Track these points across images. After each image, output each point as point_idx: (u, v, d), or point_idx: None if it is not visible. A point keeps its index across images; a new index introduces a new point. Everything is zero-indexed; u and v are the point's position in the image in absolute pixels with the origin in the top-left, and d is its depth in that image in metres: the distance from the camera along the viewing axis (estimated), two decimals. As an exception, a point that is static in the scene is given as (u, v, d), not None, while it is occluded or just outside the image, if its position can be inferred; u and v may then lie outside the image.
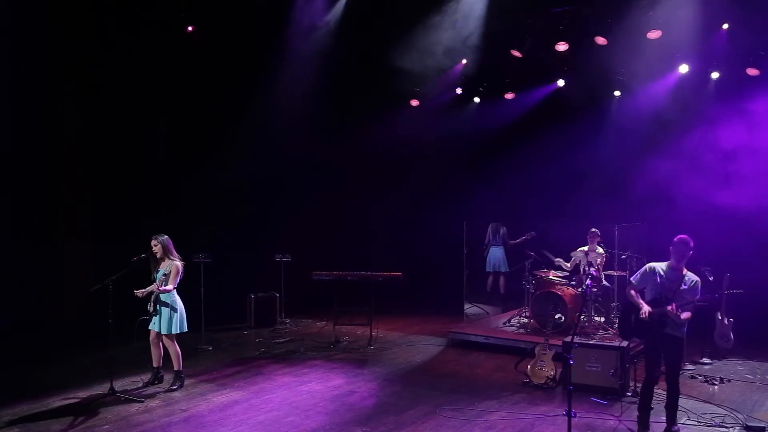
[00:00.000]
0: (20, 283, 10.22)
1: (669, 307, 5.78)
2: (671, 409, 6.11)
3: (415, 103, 13.64)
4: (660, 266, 6.09)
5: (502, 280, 12.95)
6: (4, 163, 10.10)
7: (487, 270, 12.91)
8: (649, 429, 6.12)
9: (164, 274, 7.43)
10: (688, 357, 8.87)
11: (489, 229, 12.88)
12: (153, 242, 7.54)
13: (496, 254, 12.87)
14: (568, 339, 6.68)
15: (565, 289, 9.55)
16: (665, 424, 6.16)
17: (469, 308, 11.79)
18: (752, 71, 10.60)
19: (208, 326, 9.98)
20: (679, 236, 6.01)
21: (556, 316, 9.33)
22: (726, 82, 10.62)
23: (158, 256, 7.54)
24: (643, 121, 11.04)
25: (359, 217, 13.07)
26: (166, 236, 7.62)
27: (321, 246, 12.47)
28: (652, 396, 6.11)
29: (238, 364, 8.91)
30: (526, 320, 10.24)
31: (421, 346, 10.03)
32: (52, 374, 8.30)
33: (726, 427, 6.37)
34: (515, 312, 10.86)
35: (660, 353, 6.09)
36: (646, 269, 6.21)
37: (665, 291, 5.95)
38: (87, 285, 7.48)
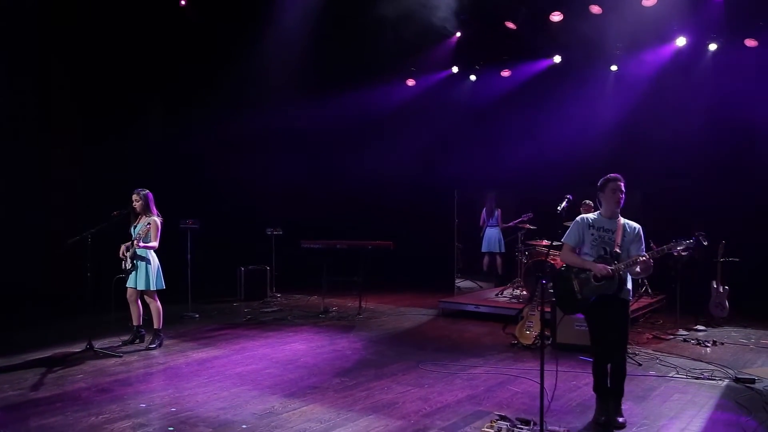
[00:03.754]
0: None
1: (642, 257, 4.73)
2: (616, 395, 4.97)
3: (411, 82, 13.59)
4: (591, 217, 5.04)
5: (498, 260, 12.78)
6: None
7: (483, 250, 12.77)
8: (620, 412, 5.00)
9: (144, 230, 7.28)
10: (683, 324, 8.70)
11: (484, 211, 12.74)
12: (135, 196, 7.41)
13: (491, 235, 12.71)
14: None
15: (558, 258, 9.36)
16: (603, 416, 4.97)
17: (462, 282, 11.65)
18: (750, 42, 10.48)
19: (196, 299, 9.86)
20: (609, 175, 4.92)
21: (549, 285, 9.13)
22: (723, 50, 10.47)
23: (138, 210, 7.42)
24: (640, 90, 10.88)
25: (351, 188, 12.90)
26: (147, 191, 7.50)
27: (313, 219, 12.36)
28: (607, 374, 4.99)
29: (222, 328, 8.79)
30: (518, 292, 10.08)
31: (411, 315, 9.89)
32: (31, 335, 8.16)
33: (715, 380, 6.18)
34: (508, 285, 10.69)
35: (610, 325, 4.94)
36: (577, 222, 5.06)
37: (608, 245, 4.88)
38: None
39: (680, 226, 6.70)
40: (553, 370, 5.36)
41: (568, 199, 4.63)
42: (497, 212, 12.55)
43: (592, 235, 4.98)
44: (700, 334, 8.35)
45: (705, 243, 8.95)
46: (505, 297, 10.16)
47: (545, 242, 9.87)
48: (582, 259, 5.00)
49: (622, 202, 4.91)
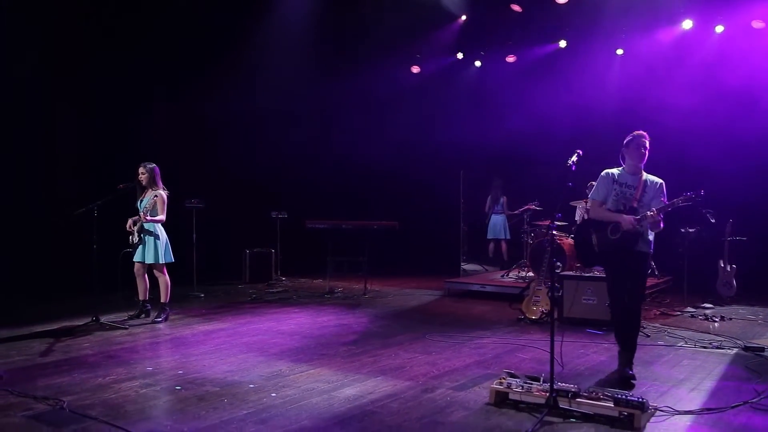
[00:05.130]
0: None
1: (650, 212, 4.80)
2: (628, 348, 5.06)
3: (416, 69, 13.55)
4: (614, 172, 5.16)
5: (504, 246, 12.74)
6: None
7: (488, 237, 12.74)
8: (630, 366, 5.09)
9: (150, 204, 7.26)
10: (690, 303, 8.65)
11: (489, 198, 12.70)
12: (140, 170, 7.40)
13: (496, 222, 12.67)
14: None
15: (564, 238, 9.34)
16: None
17: (468, 265, 11.60)
18: (757, 23, 10.44)
19: (201, 280, 9.85)
20: (635, 132, 5.09)
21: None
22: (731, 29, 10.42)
23: (144, 183, 7.40)
24: (646, 69, 10.84)
25: (357, 171, 12.85)
26: (154, 165, 7.48)
27: (318, 202, 12.33)
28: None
29: (227, 306, 8.78)
30: (525, 273, 10.03)
31: (417, 296, 9.86)
32: (37, 310, 8.16)
33: (723, 349, 6.15)
34: (514, 267, 10.64)
35: (626, 276, 5.05)
36: (604, 177, 5.19)
37: (627, 200, 5.01)
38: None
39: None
40: (562, 340, 5.34)
41: (578, 153, 4.59)
42: (503, 199, 12.51)
43: (615, 190, 5.11)
44: (708, 311, 8.30)
45: (713, 221, 8.92)
46: (511, 278, 10.12)
47: (550, 223, 9.81)
48: (611, 213, 5.09)
49: (645, 158, 5.05)
